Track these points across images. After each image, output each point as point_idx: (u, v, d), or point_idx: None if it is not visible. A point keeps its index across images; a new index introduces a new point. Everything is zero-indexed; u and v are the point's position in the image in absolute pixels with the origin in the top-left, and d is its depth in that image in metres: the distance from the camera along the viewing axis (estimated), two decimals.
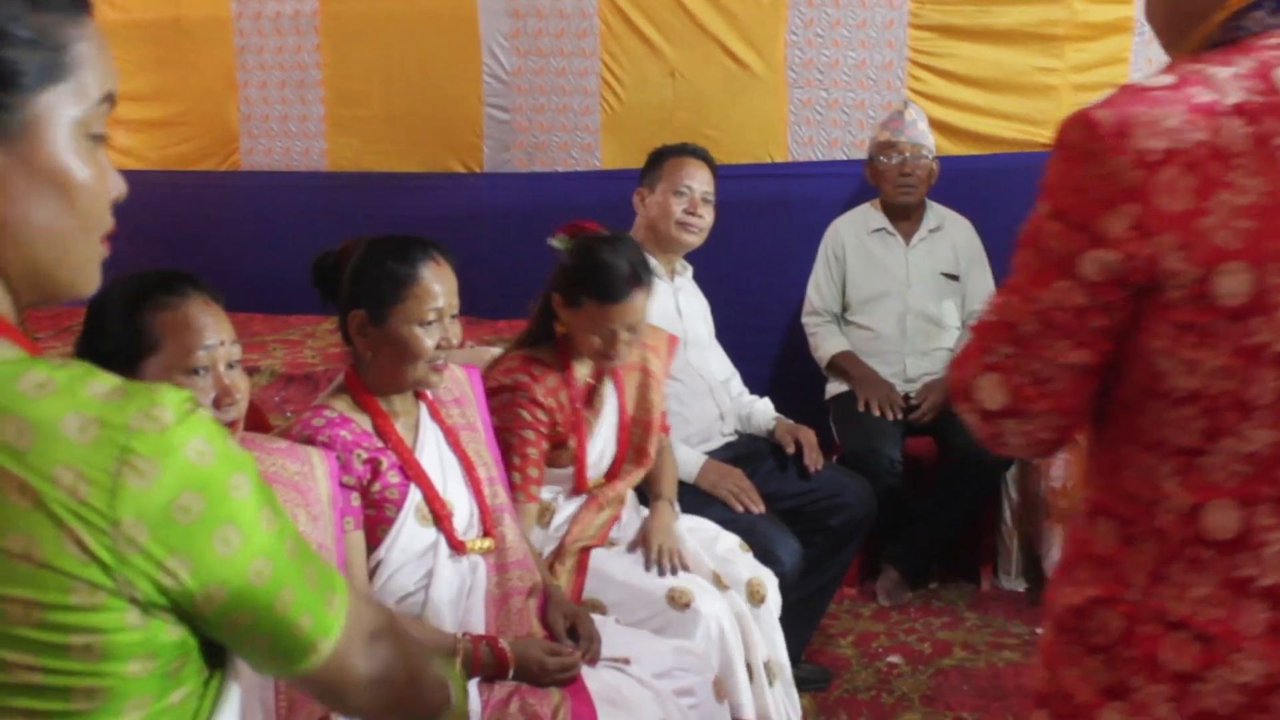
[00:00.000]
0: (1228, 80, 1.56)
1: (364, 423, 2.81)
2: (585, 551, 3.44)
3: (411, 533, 2.82)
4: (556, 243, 3.46)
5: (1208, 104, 1.54)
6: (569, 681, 2.78)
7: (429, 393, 2.96)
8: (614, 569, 3.41)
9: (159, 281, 2.30)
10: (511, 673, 2.74)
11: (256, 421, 3.14)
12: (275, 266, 5.90)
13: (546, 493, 3.44)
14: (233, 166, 6.42)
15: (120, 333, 2.23)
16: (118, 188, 1.27)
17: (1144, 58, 5.28)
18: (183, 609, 1.20)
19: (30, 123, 1.17)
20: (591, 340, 3.36)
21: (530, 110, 5.93)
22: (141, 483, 1.13)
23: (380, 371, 2.83)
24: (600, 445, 3.54)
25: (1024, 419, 1.68)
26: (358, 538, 2.75)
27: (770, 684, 3.46)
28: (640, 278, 3.36)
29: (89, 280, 1.28)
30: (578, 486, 3.50)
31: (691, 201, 4.16)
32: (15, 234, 1.19)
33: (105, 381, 1.17)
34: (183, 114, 6.51)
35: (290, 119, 6.29)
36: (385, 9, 6.09)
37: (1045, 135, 5.40)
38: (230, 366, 2.30)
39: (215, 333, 2.28)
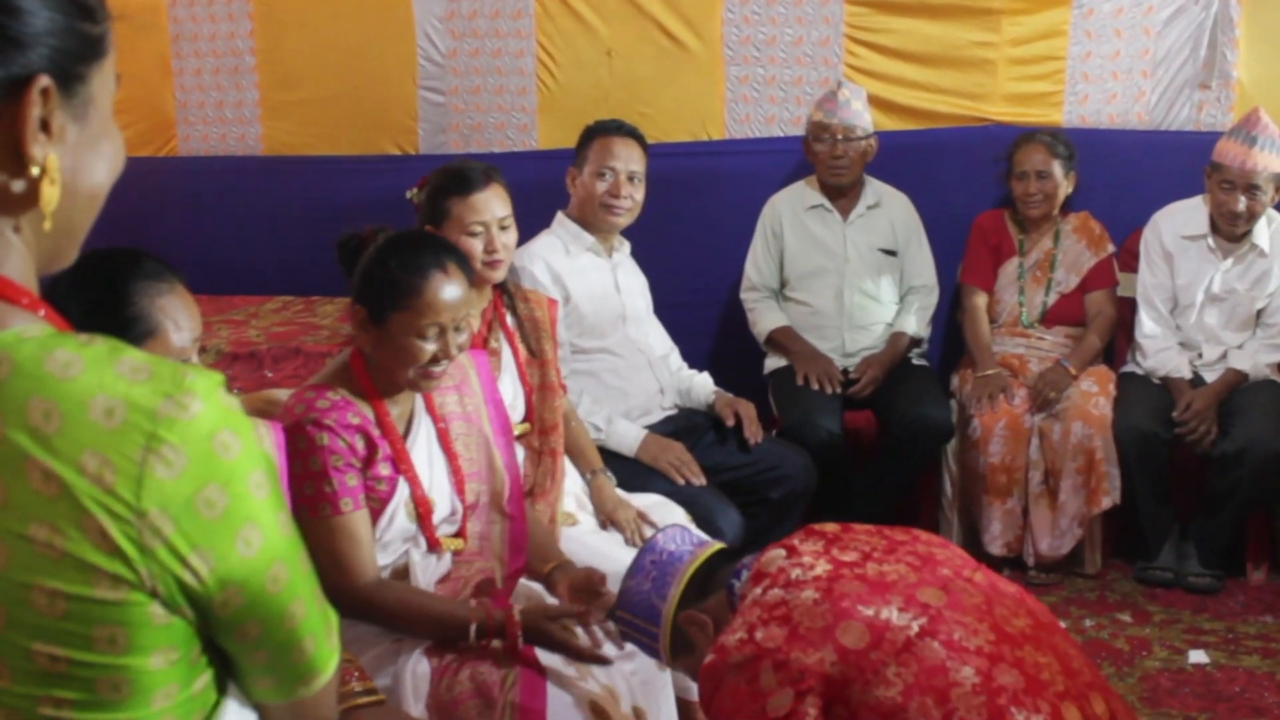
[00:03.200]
0: None
1: (364, 409, 2.79)
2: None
3: (400, 526, 2.84)
4: (410, 195, 3.58)
5: None
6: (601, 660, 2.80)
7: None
8: (574, 547, 3.41)
9: (135, 265, 2.25)
10: (521, 638, 2.75)
11: None
12: (215, 249, 5.91)
13: None
14: (170, 153, 6.39)
15: (109, 317, 2.15)
16: (124, 158, 1.30)
17: (1082, 30, 5.34)
18: (201, 610, 1.19)
19: (91, 93, 1.20)
20: (470, 247, 3.38)
21: (466, 92, 5.93)
22: (168, 473, 1.11)
23: (377, 366, 2.81)
24: (509, 388, 3.56)
25: None
26: (361, 517, 2.73)
27: None
28: (492, 175, 3.49)
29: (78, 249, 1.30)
30: None
31: (615, 184, 4.19)
32: (70, 194, 1.20)
33: (133, 359, 1.15)
34: (120, 102, 6.34)
35: (226, 105, 6.26)
36: None
37: (983, 110, 5.46)
38: (203, 352, 2.29)
39: (196, 324, 2.28)
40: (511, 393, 3.56)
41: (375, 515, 2.79)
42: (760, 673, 1.98)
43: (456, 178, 3.47)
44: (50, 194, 1.17)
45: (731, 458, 4.33)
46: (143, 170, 6.41)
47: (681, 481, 4.04)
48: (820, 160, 5.09)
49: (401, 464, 2.82)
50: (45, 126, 1.15)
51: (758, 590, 2.13)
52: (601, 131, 4.29)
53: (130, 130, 6.41)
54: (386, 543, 2.83)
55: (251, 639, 1.24)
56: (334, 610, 1.37)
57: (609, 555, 3.40)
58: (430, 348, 2.73)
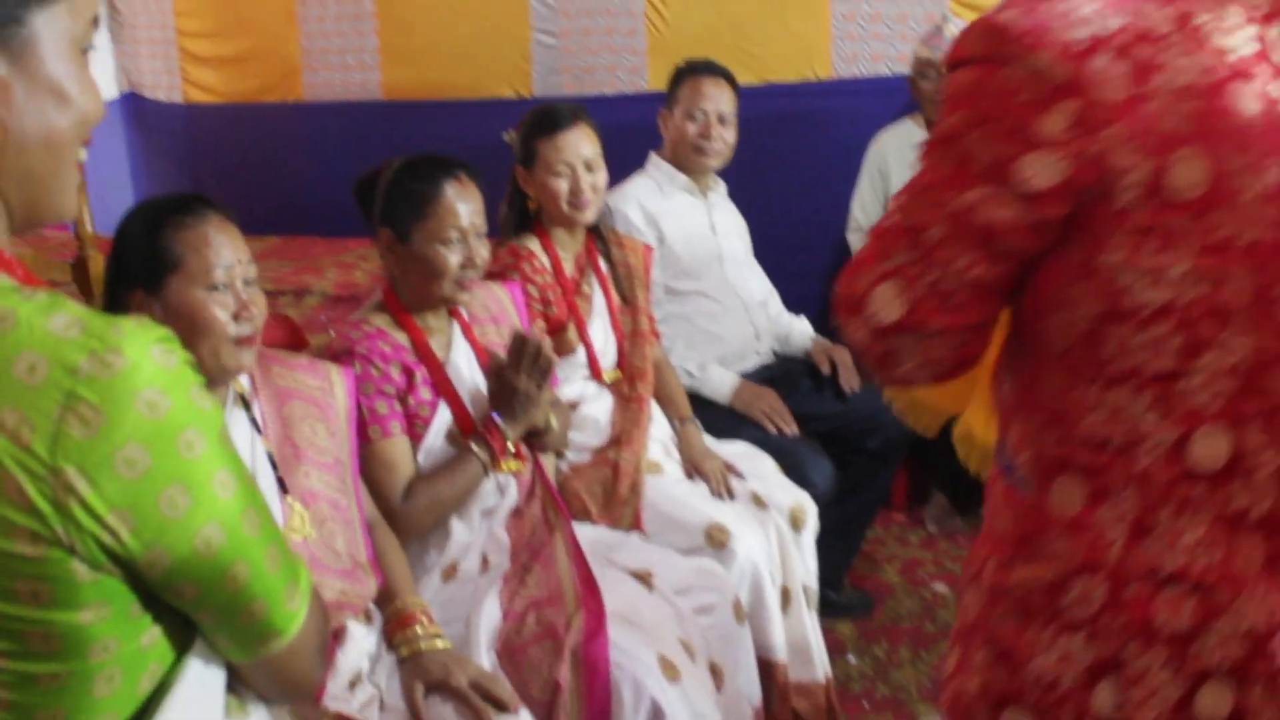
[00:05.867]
0: None
1: (400, 337, 2.88)
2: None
3: (442, 449, 2.88)
4: (507, 137, 3.61)
5: None
6: (549, 362, 2.88)
7: (463, 311, 3.02)
8: (657, 497, 3.42)
9: (178, 204, 2.35)
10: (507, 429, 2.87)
11: (295, 340, 3.20)
12: (335, 192, 5.96)
13: (569, 388, 3.50)
14: (295, 99, 6.53)
15: (143, 252, 2.28)
16: (101, 106, 1.27)
17: None
18: (127, 569, 1.16)
19: (34, 35, 1.18)
20: (558, 187, 3.45)
21: (577, 34, 5.94)
22: (85, 431, 1.08)
23: (411, 289, 2.91)
24: (600, 333, 3.59)
25: (920, 335, 1.52)
26: (406, 441, 2.83)
27: (809, 608, 3.50)
28: (577, 113, 3.51)
29: (72, 200, 1.27)
30: (593, 374, 3.56)
31: (706, 125, 4.17)
32: (17, 143, 1.18)
33: (69, 314, 1.12)
34: (249, 49, 6.60)
35: (347, 51, 6.36)
36: None
37: None
38: (247, 284, 2.33)
39: (232, 251, 2.32)
40: (602, 338, 3.59)
41: (418, 440, 2.86)
42: None
43: (543, 119, 3.52)
44: None
45: (827, 406, 4.25)
46: (269, 115, 6.66)
47: (774, 430, 3.99)
48: (926, 97, 4.99)
49: (441, 386, 2.89)
50: None
51: None
52: (691, 72, 4.27)
53: (257, 78, 6.59)
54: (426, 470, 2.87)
55: (189, 599, 1.21)
56: (304, 568, 1.35)
57: (693, 506, 3.40)
58: (455, 255, 2.84)
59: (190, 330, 2.23)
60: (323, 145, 6.37)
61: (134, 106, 7.05)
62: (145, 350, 1.13)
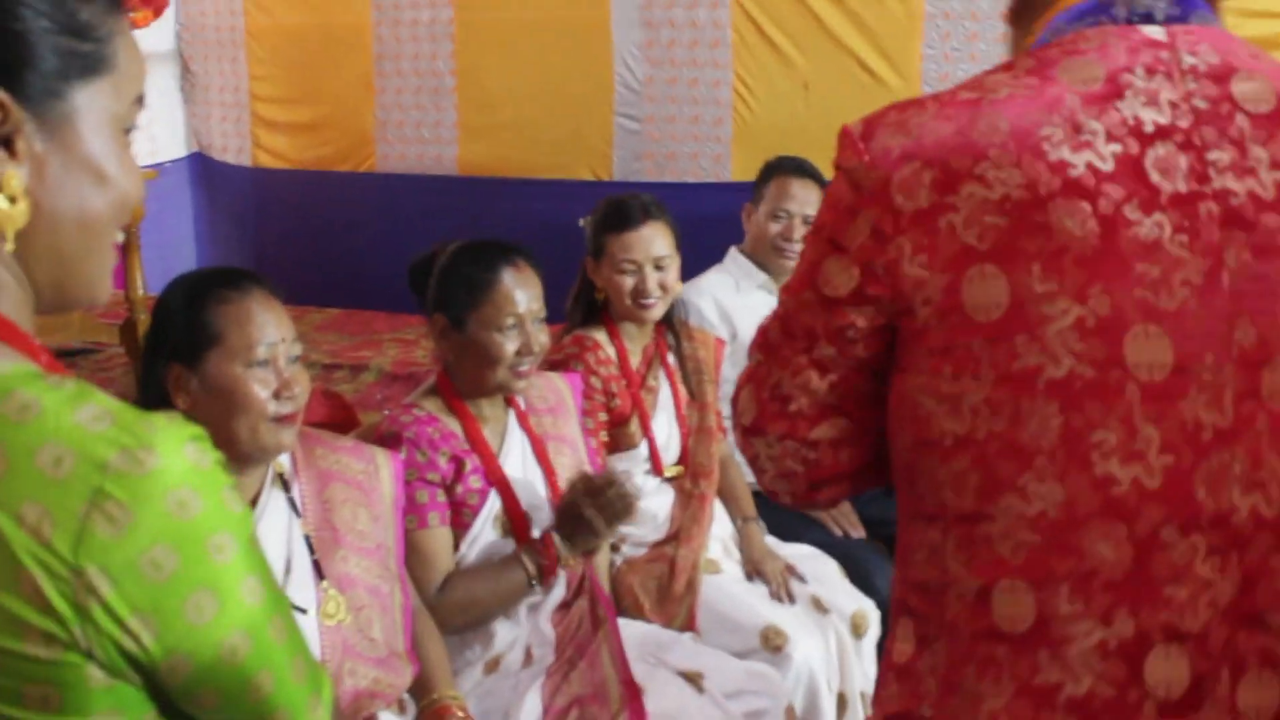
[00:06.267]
0: (1002, 78, 1.32)
1: (452, 424, 2.82)
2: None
3: (489, 540, 2.81)
4: (583, 223, 3.51)
5: (967, 100, 1.30)
6: (628, 509, 2.79)
7: (520, 400, 2.95)
8: (714, 596, 3.36)
9: (221, 277, 2.31)
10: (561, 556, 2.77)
11: (345, 417, 3.15)
12: (402, 266, 5.95)
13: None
14: (368, 169, 6.53)
15: (183, 325, 2.24)
16: (141, 189, 1.22)
17: None
18: (147, 676, 1.10)
19: (74, 111, 1.13)
20: (623, 284, 3.35)
21: (661, 120, 5.91)
22: (111, 530, 1.03)
23: (466, 375, 2.84)
24: (664, 427, 3.51)
25: (767, 440, 1.45)
26: (444, 533, 2.76)
27: (866, 715, 3.37)
28: (650, 210, 3.40)
29: (106, 284, 1.22)
30: (654, 469, 3.48)
31: (788, 226, 4.08)
32: (50, 221, 1.14)
33: (98, 405, 1.07)
34: (323, 117, 6.64)
35: (424, 124, 6.36)
36: (519, 17, 6.12)
37: None
38: (290, 361, 2.28)
39: (276, 329, 2.27)
40: (666, 433, 3.51)
41: (466, 529, 2.79)
42: None
43: (615, 213, 3.43)
44: (9, 213, 1.10)
45: (893, 510, 4.06)
46: (339, 184, 6.66)
47: (839, 533, 3.90)
48: None
49: (492, 476, 2.81)
50: (6, 143, 1.09)
51: None
52: (780, 170, 4.19)
53: (329, 146, 6.62)
54: (472, 561, 2.81)
55: (210, 708, 1.15)
56: (327, 678, 1.29)
57: (752, 607, 3.31)
58: (511, 343, 2.76)
59: (228, 408, 2.20)
60: (393, 218, 6.35)
61: (201, 167, 7.12)
62: (178, 448, 1.07)
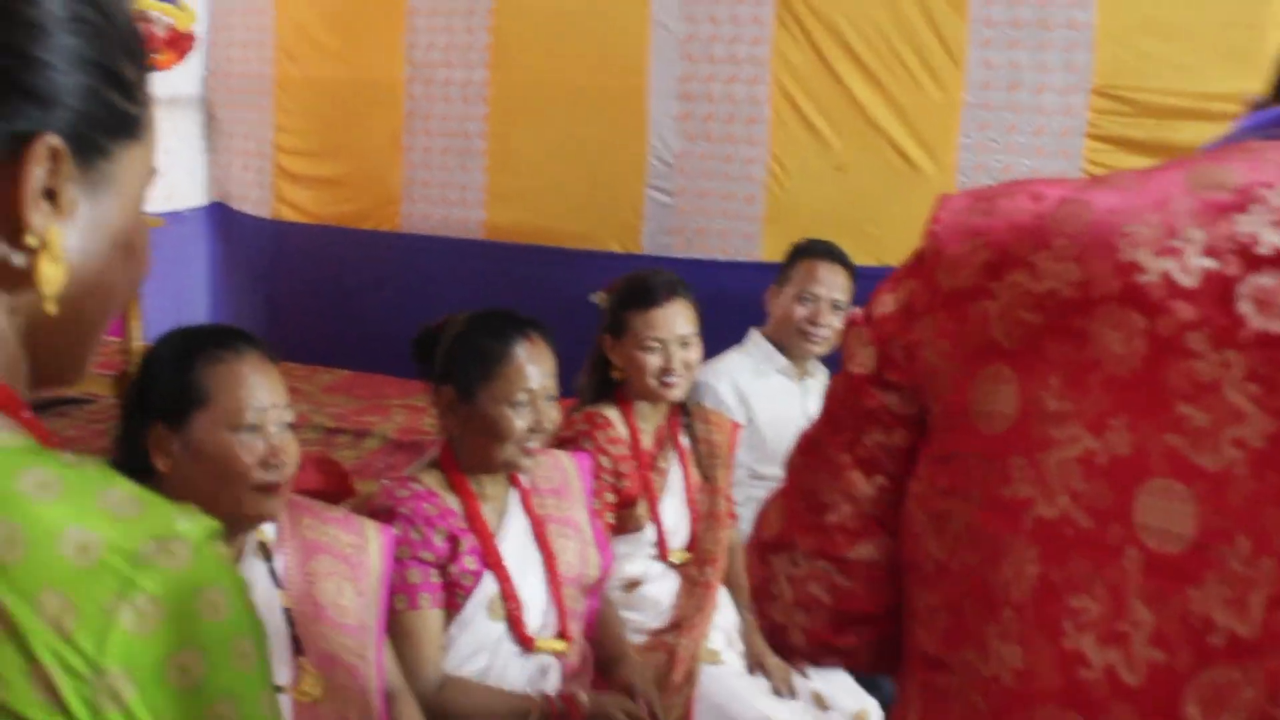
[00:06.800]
0: (1129, 171, 1.10)
1: (450, 501, 2.73)
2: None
3: (480, 624, 2.73)
4: (597, 299, 3.42)
5: (1075, 185, 1.10)
6: None
7: (524, 479, 2.86)
8: (713, 688, 3.29)
9: (215, 335, 2.24)
10: None
11: (340, 487, 3.06)
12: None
13: (631, 565, 3.35)
14: (391, 228, 6.49)
15: (171, 383, 2.17)
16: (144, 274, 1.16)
17: None
18: None
19: (116, 174, 1.07)
20: (647, 363, 3.26)
21: (693, 194, 5.86)
22: (140, 628, 0.94)
23: (470, 451, 2.75)
24: (673, 511, 3.43)
25: (792, 558, 1.21)
26: (434, 616, 2.67)
27: None
28: (675, 288, 3.33)
29: (92, 360, 1.16)
30: (660, 554, 3.39)
31: (815, 311, 4.00)
32: (76, 288, 1.06)
33: (124, 490, 0.99)
34: (348, 173, 6.63)
35: (451, 185, 6.33)
36: (555, 81, 6.11)
37: None
38: (281, 428, 2.21)
39: (269, 393, 2.20)
40: (675, 517, 3.43)
41: (457, 609, 2.71)
42: None
43: (638, 290, 3.35)
44: (51, 272, 1.03)
45: None
46: (360, 242, 6.63)
47: None
48: None
49: (489, 558, 2.72)
50: (52, 196, 1.02)
51: None
52: (809, 253, 4.11)
53: (353, 203, 6.61)
54: (477, 646, 2.72)
55: None
56: None
57: (749, 701, 3.25)
58: (522, 419, 2.68)
59: (212, 473, 2.14)
60: (413, 279, 6.33)
61: (220, 217, 7.13)
62: (208, 543, 1.00)
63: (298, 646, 2.25)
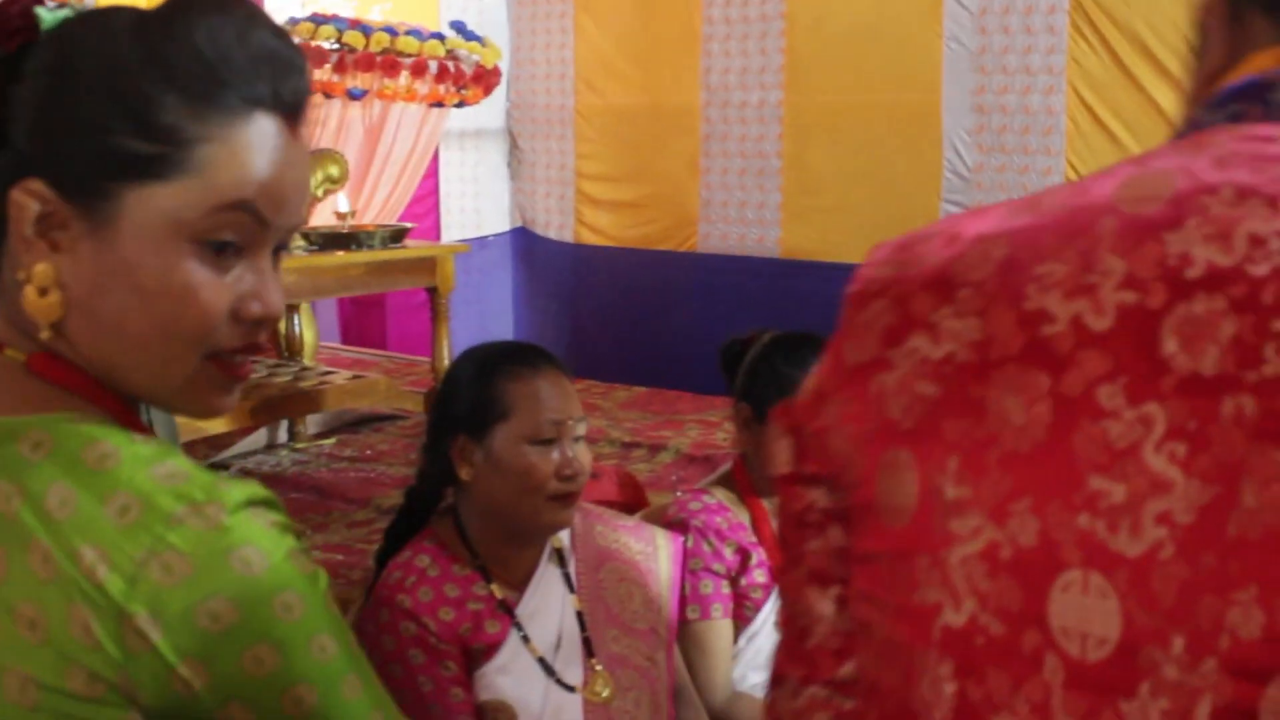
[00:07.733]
0: (1063, 188, 0.90)
1: (741, 515, 2.74)
2: None
3: (766, 639, 2.72)
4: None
5: (997, 214, 0.90)
6: None
7: None
8: None
9: (513, 352, 2.34)
10: None
11: (635, 498, 3.10)
12: (715, 348, 5.97)
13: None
14: (689, 249, 6.58)
15: (472, 398, 2.26)
16: (254, 307, 1.14)
17: None
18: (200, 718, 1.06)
19: (121, 214, 1.09)
20: None
21: None
22: (167, 579, 1.02)
23: (763, 470, 2.74)
24: None
25: (786, 691, 1.03)
26: (725, 626, 2.69)
27: None
28: None
29: (185, 396, 1.17)
30: None
31: None
32: (89, 320, 1.11)
33: (176, 464, 1.06)
34: (648, 196, 6.74)
35: (748, 205, 6.37)
36: (848, 101, 6.10)
37: None
38: (575, 440, 2.27)
39: (564, 407, 2.27)
40: None
41: (746, 624, 2.71)
42: None
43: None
44: (40, 304, 1.09)
45: None
46: (659, 263, 6.75)
47: None
48: None
49: (777, 574, 2.68)
50: (47, 234, 1.09)
51: None
52: None
53: (652, 225, 6.71)
54: (747, 658, 2.71)
55: None
56: None
57: None
58: None
59: (511, 482, 2.21)
60: (710, 298, 6.38)
61: (523, 241, 7.33)
62: (248, 507, 1.07)
63: (589, 649, 2.30)
